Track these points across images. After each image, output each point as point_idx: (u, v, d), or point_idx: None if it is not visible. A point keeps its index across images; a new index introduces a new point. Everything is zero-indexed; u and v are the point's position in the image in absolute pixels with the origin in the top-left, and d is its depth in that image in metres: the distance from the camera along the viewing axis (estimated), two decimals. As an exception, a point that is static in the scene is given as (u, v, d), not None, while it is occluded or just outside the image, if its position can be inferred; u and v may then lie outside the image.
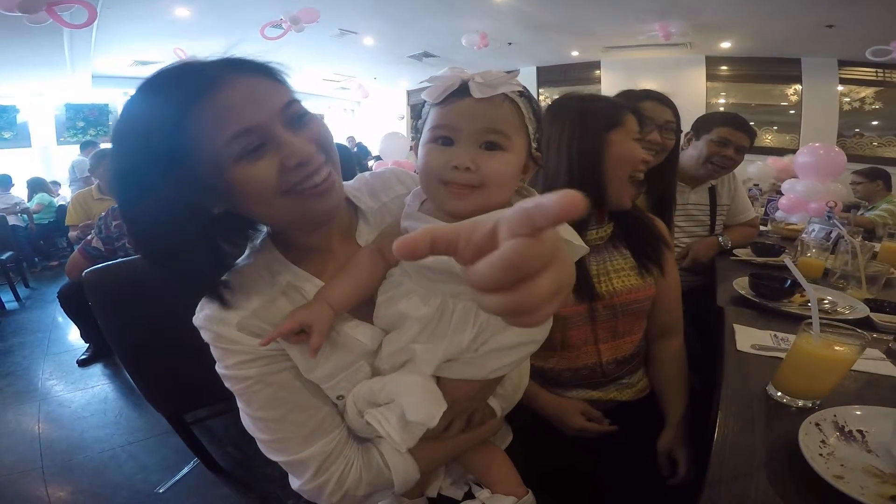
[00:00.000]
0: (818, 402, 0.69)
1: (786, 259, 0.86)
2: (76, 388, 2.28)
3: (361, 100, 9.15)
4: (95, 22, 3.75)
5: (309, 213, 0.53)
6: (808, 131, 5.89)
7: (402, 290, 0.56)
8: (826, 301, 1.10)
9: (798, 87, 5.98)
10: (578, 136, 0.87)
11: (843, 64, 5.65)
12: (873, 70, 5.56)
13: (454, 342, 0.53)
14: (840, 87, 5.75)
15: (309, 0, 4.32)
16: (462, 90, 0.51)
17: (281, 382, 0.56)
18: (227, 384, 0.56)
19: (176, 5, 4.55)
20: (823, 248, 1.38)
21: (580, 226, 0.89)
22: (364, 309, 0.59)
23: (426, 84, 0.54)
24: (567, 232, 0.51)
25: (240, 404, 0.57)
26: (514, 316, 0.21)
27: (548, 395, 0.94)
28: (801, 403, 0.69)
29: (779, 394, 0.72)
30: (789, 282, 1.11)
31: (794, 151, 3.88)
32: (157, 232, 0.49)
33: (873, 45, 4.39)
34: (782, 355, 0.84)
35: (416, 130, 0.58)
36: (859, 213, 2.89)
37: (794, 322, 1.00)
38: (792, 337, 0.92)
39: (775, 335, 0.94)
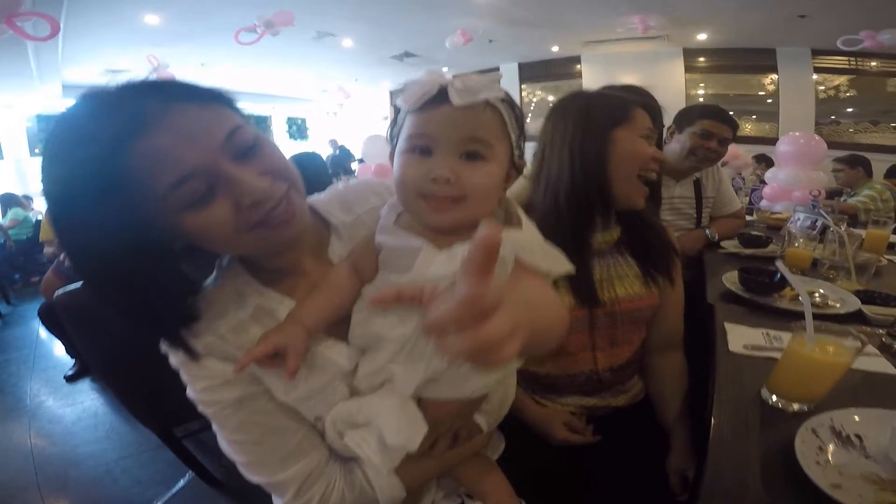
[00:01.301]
0: (813, 406, 0.67)
1: (779, 264, 0.85)
2: (65, 403, 2.28)
3: (343, 102, 9.06)
4: (60, 32, 3.63)
5: (271, 243, 0.50)
6: (786, 120, 6.00)
7: (378, 309, 0.52)
8: (817, 295, 1.09)
9: (774, 76, 6.10)
10: (582, 135, 0.84)
11: (816, 53, 5.76)
12: (846, 59, 5.69)
13: (434, 363, 0.50)
14: (815, 76, 5.87)
15: (283, 3, 4.24)
16: (441, 96, 0.48)
17: (254, 406, 0.54)
18: (199, 407, 0.54)
19: (145, 12, 4.43)
20: (811, 238, 1.38)
21: (584, 228, 0.86)
22: (339, 327, 0.55)
23: (405, 87, 0.50)
24: (546, 256, 0.49)
25: (214, 427, 0.55)
26: (476, 355, 0.24)
27: (533, 406, 0.92)
28: (796, 407, 0.67)
29: (773, 398, 0.70)
30: (779, 275, 1.10)
31: (773, 140, 3.94)
32: (107, 266, 0.44)
33: (844, 34, 4.48)
34: (776, 355, 0.82)
35: (391, 138, 0.54)
36: (842, 199, 2.93)
37: (786, 318, 0.99)
38: (785, 335, 0.92)
39: (767, 333, 0.93)
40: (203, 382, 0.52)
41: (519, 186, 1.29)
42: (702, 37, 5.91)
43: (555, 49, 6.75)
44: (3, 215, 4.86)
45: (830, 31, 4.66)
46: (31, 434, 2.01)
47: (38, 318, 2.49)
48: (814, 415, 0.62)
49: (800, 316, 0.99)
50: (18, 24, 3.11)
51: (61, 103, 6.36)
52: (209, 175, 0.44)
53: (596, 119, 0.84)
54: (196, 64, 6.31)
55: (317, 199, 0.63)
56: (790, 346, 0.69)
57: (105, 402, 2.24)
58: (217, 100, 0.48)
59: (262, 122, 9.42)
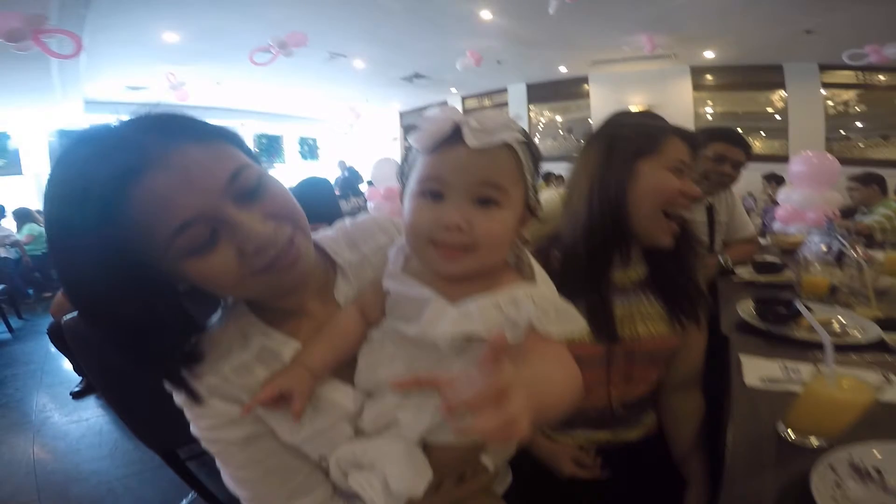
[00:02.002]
0: (832, 441, 0.65)
1: (799, 305, 0.82)
2: (70, 420, 2.28)
3: (354, 122, 9.22)
4: (83, 53, 3.76)
5: (276, 287, 0.49)
6: (795, 136, 5.96)
7: (385, 355, 0.52)
8: (836, 323, 1.06)
9: (782, 92, 6.09)
10: (604, 166, 0.81)
11: (823, 68, 5.77)
12: (853, 73, 5.69)
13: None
14: (823, 91, 5.84)
15: (297, 24, 4.36)
16: (455, 135, 0.46)
17: (259, 445, 0.53)
18: (203, 444, 0.53)
19: (164, 30, 4.57)
20: (827, 263, 1.34)
21: (601, 264, 0.82)
22: (345, 369, 0.55)
23: (418, 106, 0.51)
24: (560, 317, 0.47)
25: (218, 463, 0.54)
26: (491, 435, 0.28)
27: (541, 440, 0.90)
28: (814, 442, 0.66)
29: (790, 433, 0.68)
30: (795, 304, 1.07)
31: (783, 158, 3.90)
32: (106, 308, 0.44)
33: (851, 48, 4.48)
34: (794, 388, 0.80)
35: (402, 177, 0.53)
36: (856, 218, 2.87)
37: (804, 349, 0.96)
38: (803, 367, 0.89)
39: (785, 365, 0.90)
40: (207, 421, 0.51)
41: (552, 208, 1.27)
42: (709, 54, 5.94)
43: (562, 69, 6.83)
44: (18, 230, 4.97)
45: (837, 46, 4.67)
46: (34, 449, 2.02)
47: (47, 334, 2.52)
48: (832, 450, 0.60)
49: (819, 346, 0.97)
50: (44, 40, 3.24)
51: (83, 119, 6.58)
52: (211, 220, 0.43)
53: (619, 149, 0.80)
54: (212, 82, 6.47)
55: (323, 237, 0.62)
56: (810, 385, 0.67)
57: (110, 419, 2.25)
58: (220, 137, 0.48)
59: (275, 141, 9.53)
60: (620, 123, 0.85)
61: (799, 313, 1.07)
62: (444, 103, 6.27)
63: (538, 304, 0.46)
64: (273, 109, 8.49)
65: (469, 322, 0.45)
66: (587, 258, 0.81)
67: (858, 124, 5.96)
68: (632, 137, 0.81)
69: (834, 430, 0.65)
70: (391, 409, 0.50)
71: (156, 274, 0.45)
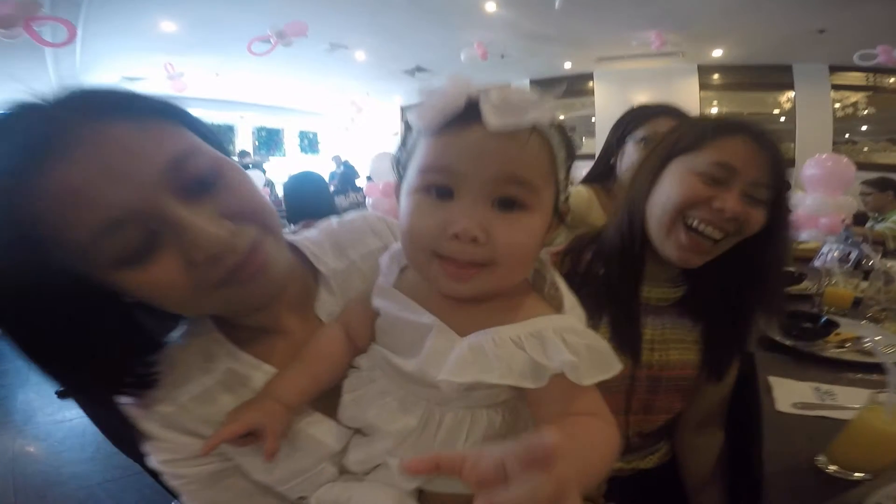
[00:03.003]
0: (874, 473, 0.59)
1: (866, 325, 0.74)
2: (54, 420, 2.22)
3: (355, 116, 9.11)
4: (78, 38, 3.66)
5: (240, 303, 0.41)
6: (802, 139, 5.87)
7: (375, 391, 0.44)
8: (867, 342, 0.98)
9: (791, 93, 5.99)
10: (642, 163, 0.73)
11: (833, 69, 5.65)
12: (864, 75, 5.59)
13: None
14: (832, 93, 5.73)
15: (297, 14, 4.25)
16: (470, 114, 0.35)
17: (226, 483, 0.45)
18: (163, 478, 0.45)
19: (161, 19, 4.45)
20: (850, 274, 1.27)
21: (631, 276, 0.73)
22: (327, 398, 0.46)
23: (419, 98, 0.38)
24: (593, 361, 0.37)
25: (182, 499, 0.46)
26: None
27: None
28: (857, 476, 0.60)
29: (832, 467, 0.62)
30: (825, 319, 1.00)
31: (790, 161, 3.81)
32: (29, 323, 0.36)
33: (863, 49, 4.38)
34: (831, 414, 0.75)
35: (398, 166, 0.43)
36: (868, 225, 2.79)
37: (835, 369, 0.90)
38: (838, 390, 0.82)
39: (817, 388, 0.82)
40: (164, 455, 0.44)
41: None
42: (717, 53, 5.83)
43: (567, 65, 6.71)
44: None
45: (849, 46, 4.57)
46: (14, 449, 1.95)
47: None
48: (876, 483, 0.55)
49: (852, 365, 0.91)
50: (35, 29, 3.13)
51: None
52: (147, 220, 0.34)
53: (662, 144, 0.71)
54: (211, 73, 6.36)
55: (304, 239, 0.53)
56: (863, 415, 0.60)
57: (94, 421, 2.20)
58: (164, 114, 0.38)
59: (275, 134, 9.39)
60: (684, 116, 0.79)
61: (828, 331, 1.00)
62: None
63: (569, 344, 0.36)
64: (273, 102, 8.37)
65: (483, 366, 0.36)
66: (618, 266, 0.72)
67: (863, 128, 5.86)
68: (685, 130, 0.70)
69: (884, 463, 0.59)
70: (382, 454, 0.42)
71: (88, 284, 0.36)
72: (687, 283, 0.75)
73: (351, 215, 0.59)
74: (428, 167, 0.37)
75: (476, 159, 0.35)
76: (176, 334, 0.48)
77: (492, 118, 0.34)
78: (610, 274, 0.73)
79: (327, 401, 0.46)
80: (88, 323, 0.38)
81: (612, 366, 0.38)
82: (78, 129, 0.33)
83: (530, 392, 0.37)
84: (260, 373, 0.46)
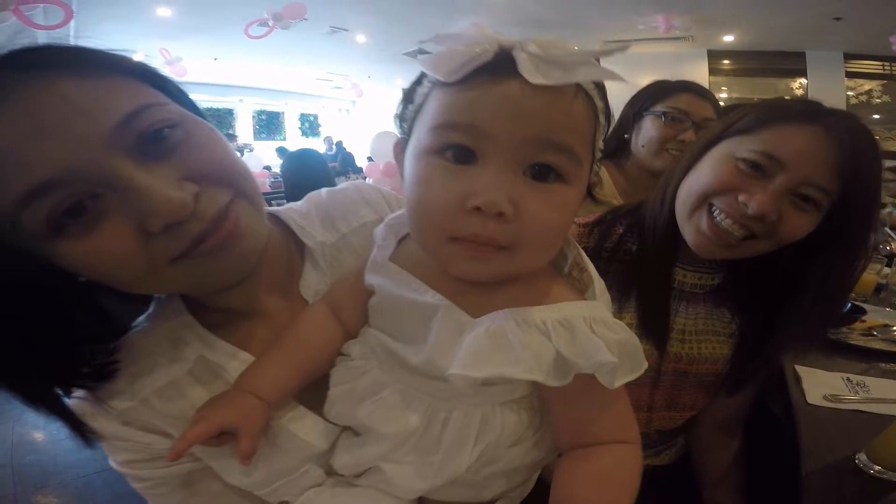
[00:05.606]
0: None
1: (893, 320, 0.67)
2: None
3: (356, 99, 9.00)
4: (72, 22, 3.57)
5: (206, 278, 0.35)
6: (814, 126, 5.76)
7: (367, 383, 0.37)
8: (894, 328, 0.92)
9: (803, 80, 5.88)
10: (699, 136, 0.71)
11: (848, 57, 5.53)
12: (879, 63, 5.48)
13: (448, 466, 0.34)
14: (846, 81, 5.61)
15: (296, -4, 4.14)
16: (501, 65, 0.29)
17: (196, 487, 0.40)
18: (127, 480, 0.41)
19: (157, 4, 4.38)
20: (872, 259, 1.20)
21: (662, 256, 0.66)
22: (313, 390, 0.41)
23: (436, 43, 0.32)
24: (623, 362, 0.31)
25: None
26: None
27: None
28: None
29: (876, 468, 0.57)
30: (850, 305, 0.94)
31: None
32: None
33: (882, 37, 4.26)
34: (864, 408, 0.69)
35: (401, 121, 0.36)
36: (887, 210, 2.71)
37: (864, 357, 0.84)
38: (870, 381, 0.76)
39: (848, 379, 0.77)
40: (124, 455, 0.39)
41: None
42: (728, 38, 5.70)
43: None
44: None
45: (866, 33, 4.45)
46: (13, 438, 1.93)
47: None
48: None
49: (880, 356, 0.85)
50: (27, 14, 3.05)
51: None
52: (89, 181, 0.29)
53: (723, 120, 0.64)
54: (209, 58, 6.28)
55: (288, 209, 0.48)
56: None
57: (94, 409, 2.19)
58: (118, 70, 0.33)
59: (276, 117, 9.46)
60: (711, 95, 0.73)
61: (854, 317, 0.94)
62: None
63: (600, 336, 0.30)
64: (273, 86, 8.32)
65: (505, 357, 0.29)
66: (653, 242, 0.65)
67: (876, 116, 5.75)
68: (746, 110, 0.62)
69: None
70: (375, 458, 0.36)
71: (29, 260, 0.31)
72: (725, 271, 0.68)
73: (343, 185, 0.53)
74: (445, 124, 0.30)
75: (509, 117, 0.29)
76: (143, 317, 0.43)
77: (531, 71, 0.28)
78: (644, 250, 0.66)
79: (313, 392, 0.41)
80: (31, 303, 0.32)
81: (641, 364, 0.32)
82: (10, 85, 0.28)
83: (546, 389, 0.31)
84: (236, 362, 0.40)
